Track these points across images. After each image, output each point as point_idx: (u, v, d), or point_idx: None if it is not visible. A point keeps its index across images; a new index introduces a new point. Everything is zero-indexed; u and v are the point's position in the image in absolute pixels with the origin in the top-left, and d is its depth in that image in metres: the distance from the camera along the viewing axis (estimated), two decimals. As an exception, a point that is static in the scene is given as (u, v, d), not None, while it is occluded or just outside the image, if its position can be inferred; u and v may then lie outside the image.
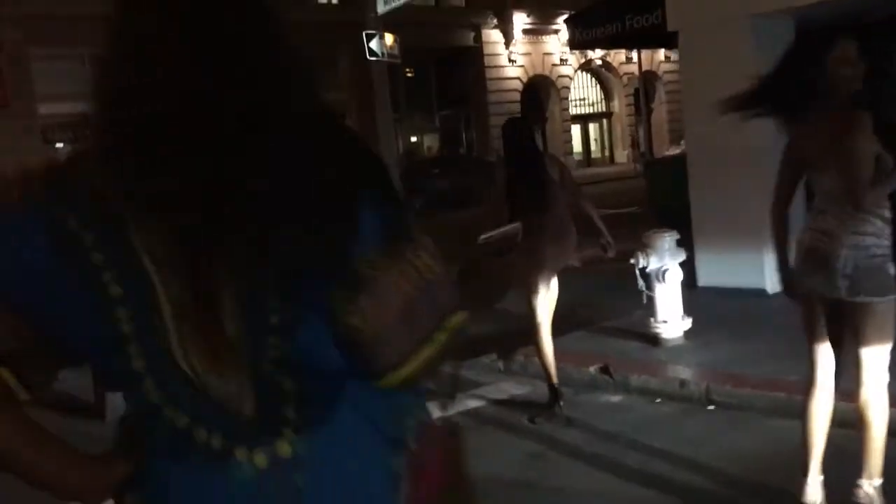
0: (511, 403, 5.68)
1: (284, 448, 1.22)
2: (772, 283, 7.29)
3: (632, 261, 6.04)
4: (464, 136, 32.68)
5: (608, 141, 38.26)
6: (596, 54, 36.94)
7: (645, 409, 5.31)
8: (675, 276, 6.01)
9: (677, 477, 4.28)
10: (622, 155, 37.77)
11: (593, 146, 38.29)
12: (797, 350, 5.36)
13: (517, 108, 30.88)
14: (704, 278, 7.64)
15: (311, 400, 1.24)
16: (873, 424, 3.37)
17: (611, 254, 5.30)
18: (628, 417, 5.18)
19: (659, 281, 6.03)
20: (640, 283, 6.06)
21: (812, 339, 3.51)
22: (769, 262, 7.31)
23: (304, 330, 1.21)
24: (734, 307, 6.98)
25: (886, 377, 3.40)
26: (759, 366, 5.43)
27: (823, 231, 3.32)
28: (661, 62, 39.82)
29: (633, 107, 38.01)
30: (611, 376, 5.71)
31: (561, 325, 6.96)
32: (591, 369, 5.84)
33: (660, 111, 39.36)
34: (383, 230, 1.23)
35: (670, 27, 7.72)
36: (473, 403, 5.64)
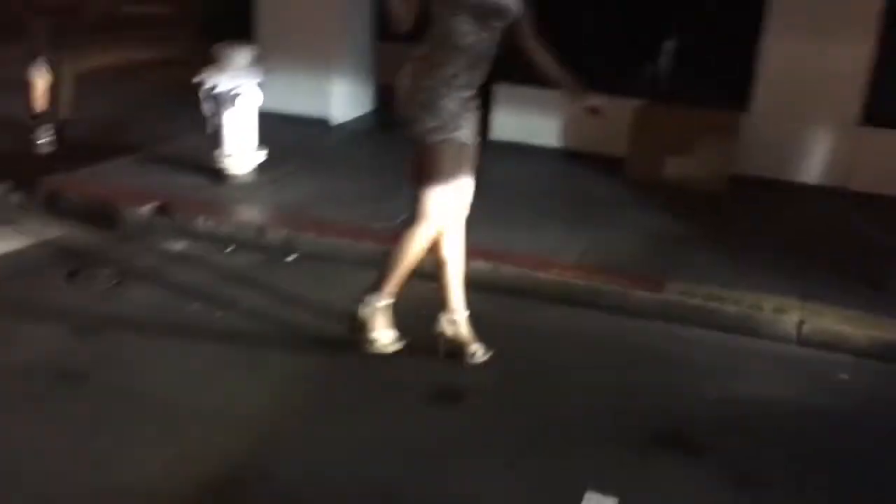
0: (39, 252, 4.41)
1: None
2: (337, 111, 6.83)
3: (196, 78, 4.98)
4: None
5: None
6: None
7: (216, 259, 4.45)
8: (251, 100, 5.11)
9: (252, 328, 3.68)
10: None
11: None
12: (375, 190, 5.00)
13: None
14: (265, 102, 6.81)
15: None
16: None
17: None
18: (197, 270, 4.29)
19: (231, 105, 5.07)
20: (206, 106, 5.04)
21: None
22: (337, 88, 6.87)
23: None
24: (301, 138, 6.33)
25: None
26: (341, 209, 4.89)
27: None
28: None
29: None
30: (171, 218, 4.72)
31: (97, 147, 5.76)
32: (146, 209, 4.77)
33: None
34: None
35: None
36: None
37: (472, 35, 3.05)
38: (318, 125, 6.69)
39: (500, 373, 3.46)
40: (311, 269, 4.39)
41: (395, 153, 5.96)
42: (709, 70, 5.97)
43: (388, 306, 3.47)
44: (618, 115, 5.84)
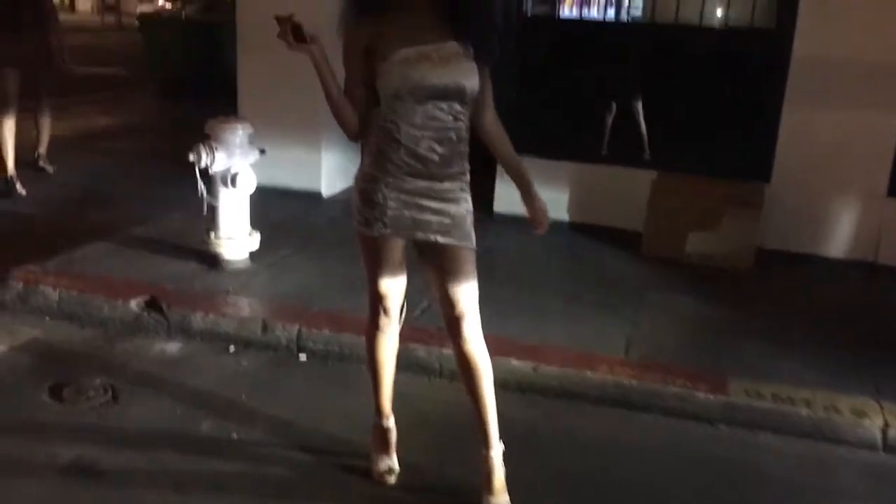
0: (13, 360, 3.86)
1: None
2: (328, 183, 6.42)
3: (190, 156, 4.51)
4: None
5: (69, -15, 33.44)
6: None
7: (216, 361, 3.96)
8: (249, 180, 4.66)
9: (276, 454, 3.20)
10: (86, 4, 33.48)
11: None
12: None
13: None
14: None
15: None
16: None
17: None
18: (199, 376, 3.79)
19: (226, 186, 4.62)
20: (201, 187, 4.58)
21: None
22: (327, 159, 6.46)
23: None
24: (292, 215, 5.89)
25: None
26: (351, 298, 4.41)
27: None
28: None
29: (100, -50, 33.79)
30: (163, 314, 4.21)
31: (71, 229, 5.25)
32: (133, 304, 4.26)
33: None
34: None
35: None
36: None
37: (417, 122, 2.65)
38: (309, 199, 6.26)
39: (562, 497, 3.03)
40: (328, 370, 3.93)
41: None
42: (727, 139, 5.71)
43: (377, 426, 3.09)
44: (632, 186, 5.61)
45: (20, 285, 4.40)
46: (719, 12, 6.02)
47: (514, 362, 3.81)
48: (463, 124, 2.72)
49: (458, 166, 2.75)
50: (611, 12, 6.80)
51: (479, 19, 2.67)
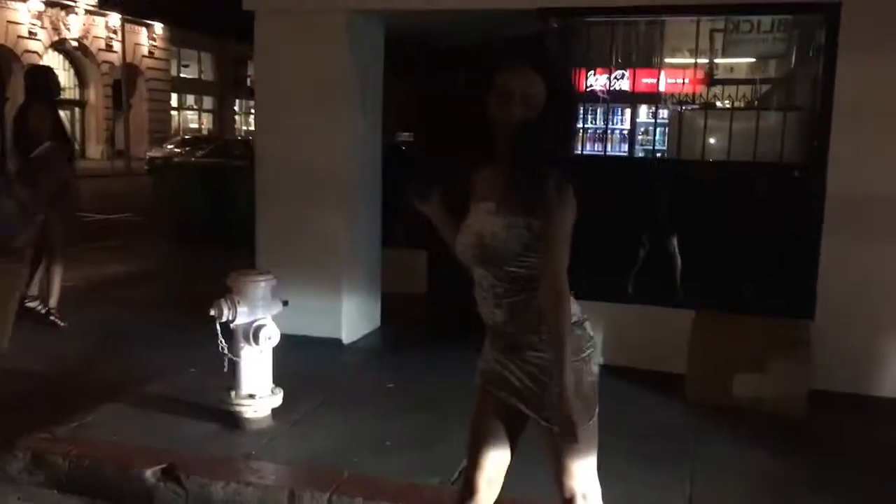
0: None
1: None
2: (349, 330, 6.18)
3: (212, 311, 4.28)
4: None
5: (80, 133, 34.25)
6: (72, 34, 33.13)
7: (239, 538, 3.61)
8: (272, 335, 4.41)
9: None
10: (96, 150, 34.27)
11: (62, 136, 34.02)
12: (413, 429, 4.33)
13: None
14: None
15: None
16: None
17: None
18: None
19: (249, 342, 4.36)
20: (222, 342, 4.32)
21: None
22: (347, 306, 6.24)
23: None
24: (314, 364, 5.60)
25: None
26: (383, 458, 4.11)
27: None
28: (143, 56, 37.57)
29: (110, 99, 34.89)
30: (181, 485, 3.87)
31: (80, 389, 4.97)
32: (149, 473, 3.93)
33: (140, 108, 37.06)
34: None
35: (246, 4, 6.09)
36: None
37: (480, 280, 2.57)
38: (330, 346, 6.00)
39: None
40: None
41: (417, 380, 5.34)
42: (765, 276, 5.51)
43: None
44: (668, 326, 5.36)
45: (27, 455, 4.08)
46: (744, 148, 5.93)
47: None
48: (522, 291, 2.48)
49: (539, 337, 2.48)
50: (624, 147, 6.78)
51: (523, 170, 2.45)
